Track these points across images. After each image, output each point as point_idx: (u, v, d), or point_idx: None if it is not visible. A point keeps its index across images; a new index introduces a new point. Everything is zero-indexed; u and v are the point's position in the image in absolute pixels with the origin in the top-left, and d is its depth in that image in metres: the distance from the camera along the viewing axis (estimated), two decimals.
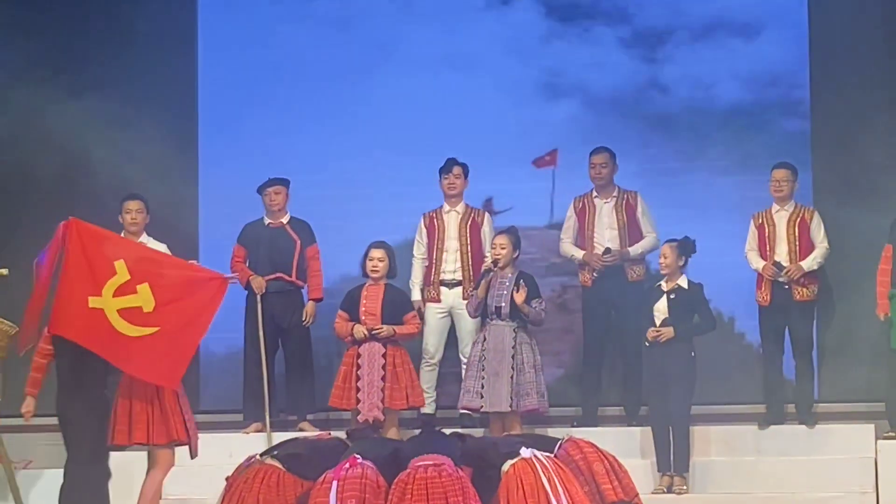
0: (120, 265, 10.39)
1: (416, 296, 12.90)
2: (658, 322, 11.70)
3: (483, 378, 11.88)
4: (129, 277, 10.38)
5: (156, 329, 10.28)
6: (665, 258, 11.76)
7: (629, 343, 12.43)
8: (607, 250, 12.57)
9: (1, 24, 13.64)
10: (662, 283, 11.77)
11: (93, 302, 10.31)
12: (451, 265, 12.66)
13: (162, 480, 10.63)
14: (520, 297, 12.02)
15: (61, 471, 11.22)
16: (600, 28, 13.78)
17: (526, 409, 11.86)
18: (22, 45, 13.74)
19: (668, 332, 11.56)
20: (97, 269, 10.41)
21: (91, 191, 13.17)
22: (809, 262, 12.51)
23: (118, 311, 10.22)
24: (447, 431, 10.77)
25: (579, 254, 12.93)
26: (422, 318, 12.48)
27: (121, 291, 10.32)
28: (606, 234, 12.73)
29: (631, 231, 12.78)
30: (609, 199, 12.76)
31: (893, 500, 11.23)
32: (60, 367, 10.54)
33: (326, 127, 13.70)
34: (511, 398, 11.79)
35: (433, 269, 12.68)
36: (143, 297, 10.35)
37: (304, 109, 13.90)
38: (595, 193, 12.75)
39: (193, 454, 10.61)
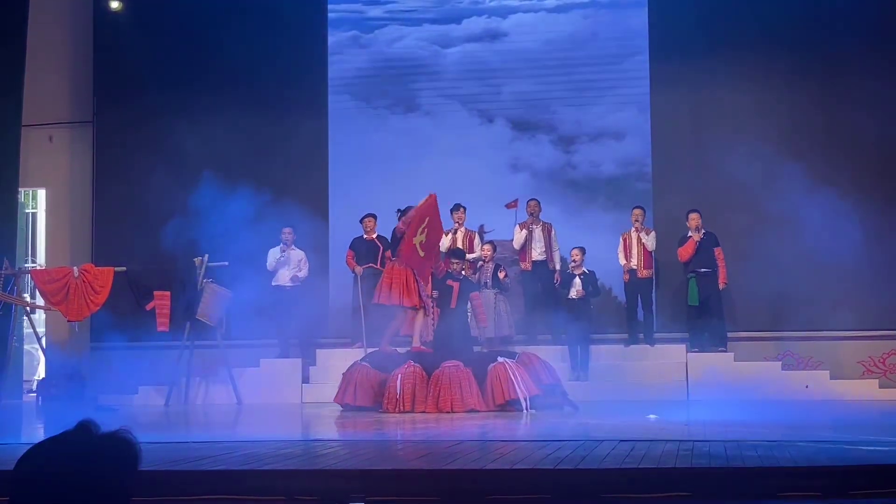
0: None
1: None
2: (575, 290, 14.36)
3: None
4: (424, 226, 12.88)
5: (423, 253, 12.97)
6: (578, 257, 14.49)
7: (551, 302, 14.80)
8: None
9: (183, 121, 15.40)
10: (573, 270, 14.55)
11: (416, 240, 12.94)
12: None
13: (394, 326, 13.35)
14: (501, 275, 14.48)
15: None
16: (540, 134, 15.98)
17: (502, 335, 14.40)
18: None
19: (581, 291, 14.30)
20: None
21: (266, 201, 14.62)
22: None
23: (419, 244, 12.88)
24: None
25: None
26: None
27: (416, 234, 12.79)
28: (536, 245, 14.94)
29: (549, 245, 14.95)
30: (538, 226, 15.09)
31: (696, 385, 13.53)
32: None
33: (400, 186, 15.36)
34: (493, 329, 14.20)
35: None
36: (420, 237, 12.87)
37: (392, 175, 15.89)
38: (531, 222, 15.08)
39: (426, 313, 12.91)
